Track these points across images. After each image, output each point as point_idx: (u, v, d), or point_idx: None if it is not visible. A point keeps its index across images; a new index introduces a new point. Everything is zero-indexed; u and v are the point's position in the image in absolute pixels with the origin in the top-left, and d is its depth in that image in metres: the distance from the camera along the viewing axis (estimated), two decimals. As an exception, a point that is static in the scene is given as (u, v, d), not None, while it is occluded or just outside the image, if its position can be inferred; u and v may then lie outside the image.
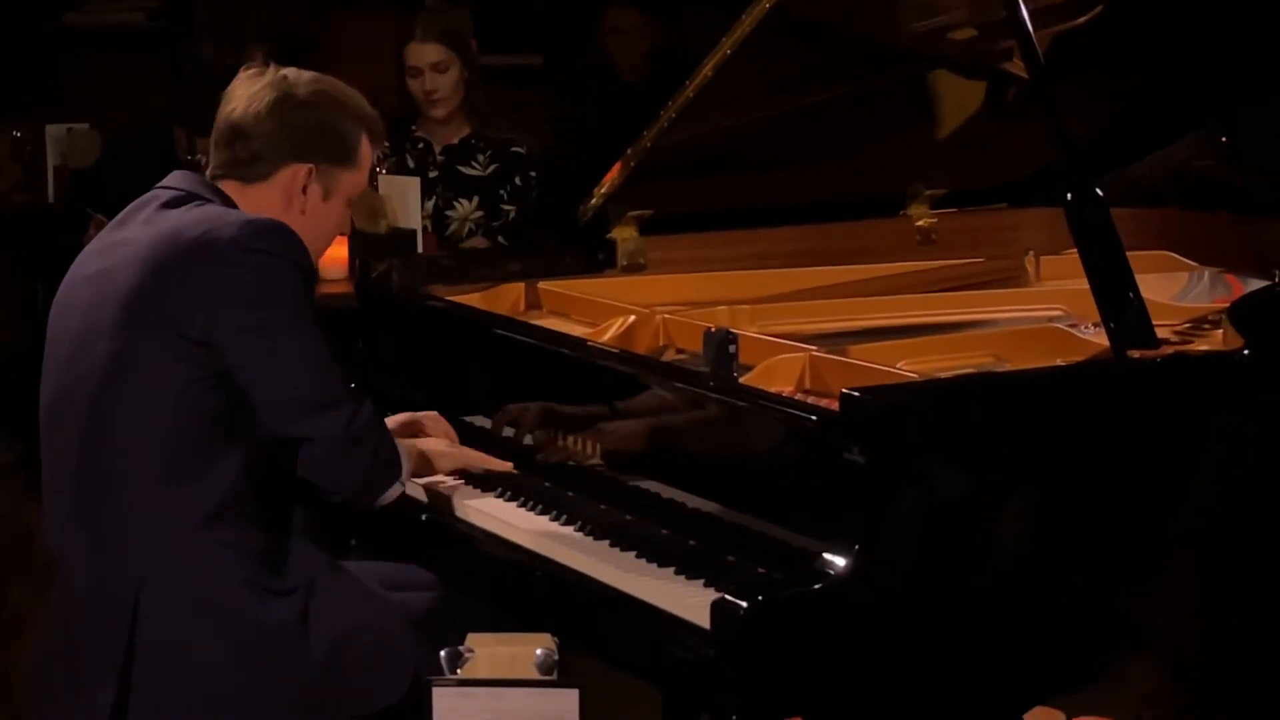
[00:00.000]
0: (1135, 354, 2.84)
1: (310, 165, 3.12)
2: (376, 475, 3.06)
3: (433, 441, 3.28)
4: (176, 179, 3.16)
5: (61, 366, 3.09)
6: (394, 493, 3.09)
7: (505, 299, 3.67)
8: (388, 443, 3.07)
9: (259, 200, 3.11)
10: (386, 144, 5.22)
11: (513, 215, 5.18)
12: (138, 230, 3.08)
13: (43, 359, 3.19)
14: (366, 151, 3.19)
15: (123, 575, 2.95)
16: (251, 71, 3.18)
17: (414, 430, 3.34)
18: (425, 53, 5.22)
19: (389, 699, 3.02)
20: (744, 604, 2.52)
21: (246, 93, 3.14)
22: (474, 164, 5.22)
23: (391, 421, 3.31)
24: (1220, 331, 3.08)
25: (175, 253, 2.98)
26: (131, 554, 2.96)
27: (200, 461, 2.97)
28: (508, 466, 3.24)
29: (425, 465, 3.23)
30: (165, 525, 2.95)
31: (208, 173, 3.17)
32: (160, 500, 2.96)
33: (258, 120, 3.11)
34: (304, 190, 3.13)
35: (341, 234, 3.40)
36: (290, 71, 3.17)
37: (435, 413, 3.37)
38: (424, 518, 3.23)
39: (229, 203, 3.10)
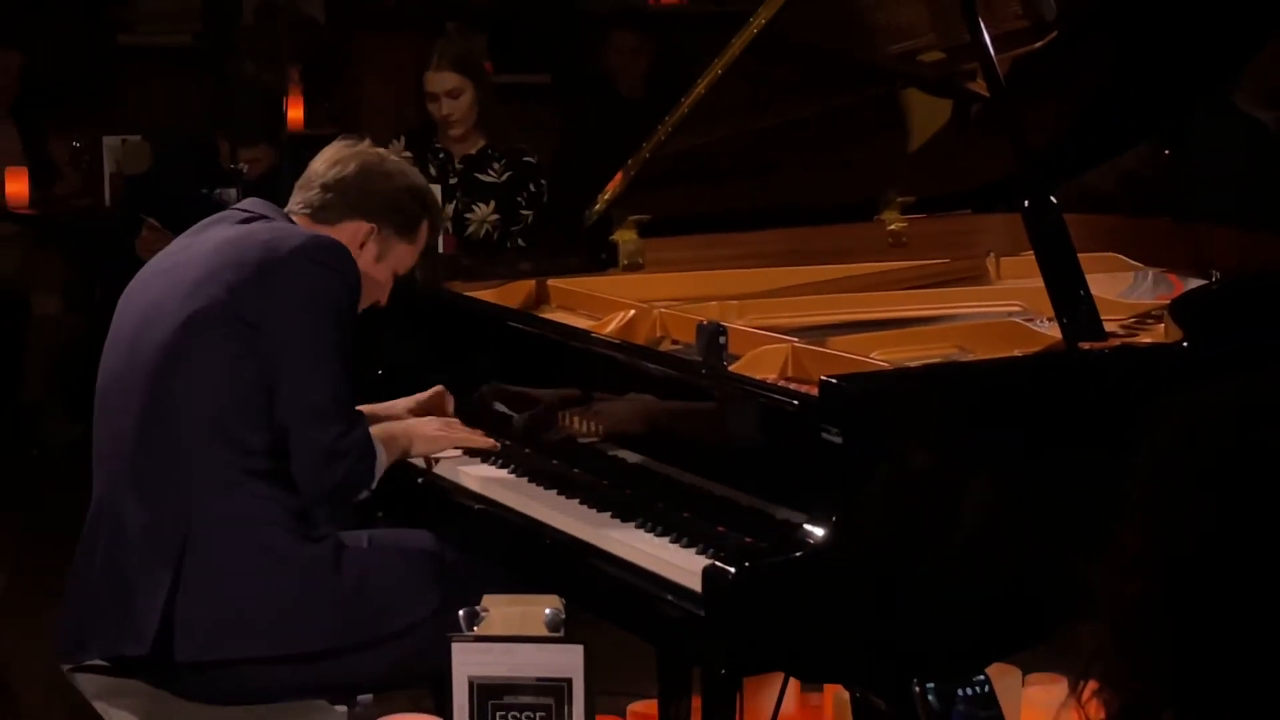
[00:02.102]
0: (1085, 346, 2.85)
1: (373, 225, 3.18)
2: (348, 486, 3.08)
3: (416, 424, 3.25)
4: (251, 203, 3.23)
5: (124, 343, 3.14)
6: (359, 497, 3.13)
7: (517, 294, 3.66)
8: (365, 463, 3.06)
9: None
10: (409, 154, 5.24)
11: (530, 220, 5.19)
12: (210, 236, 3.14)
13: (99, 348, 3.21)
14: (424, 233, 3.26)
15: (172, 523, 3.01)
16: (347, 140, 3.27)
17: (423, 412, 3.33)
18: (441, 81, 5.23)
19: (414, 617, 3.05)
20: (732, 570, 2.53)
21: (337, 154, 3.22)
22: (490, 172, 5.23)
23: (408, 401, 3.34)
24: (1162, 325, 3.08)
25: (242, 251, 3.05)
26: (180, 505, 3.01)
27: (242, 428, 3.01)
28: (491, 443, 3.22)
29: (408, 444, 3.19)
30: (209, 480, 3.01)
31: (286, 207, 3.22)
32: (206, 458, 3.01)
33: (341, 175, 3.19)
34: (361, 246, 3.17)
35: (378, 305, 3.29)
36: (383, 150, 3.30)
37: (441, 388, 3.36)
38: (445, 492, 3.24)
39: (295, 227, 3.17)
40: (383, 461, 3.10)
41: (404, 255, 3.25)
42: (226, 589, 2.99)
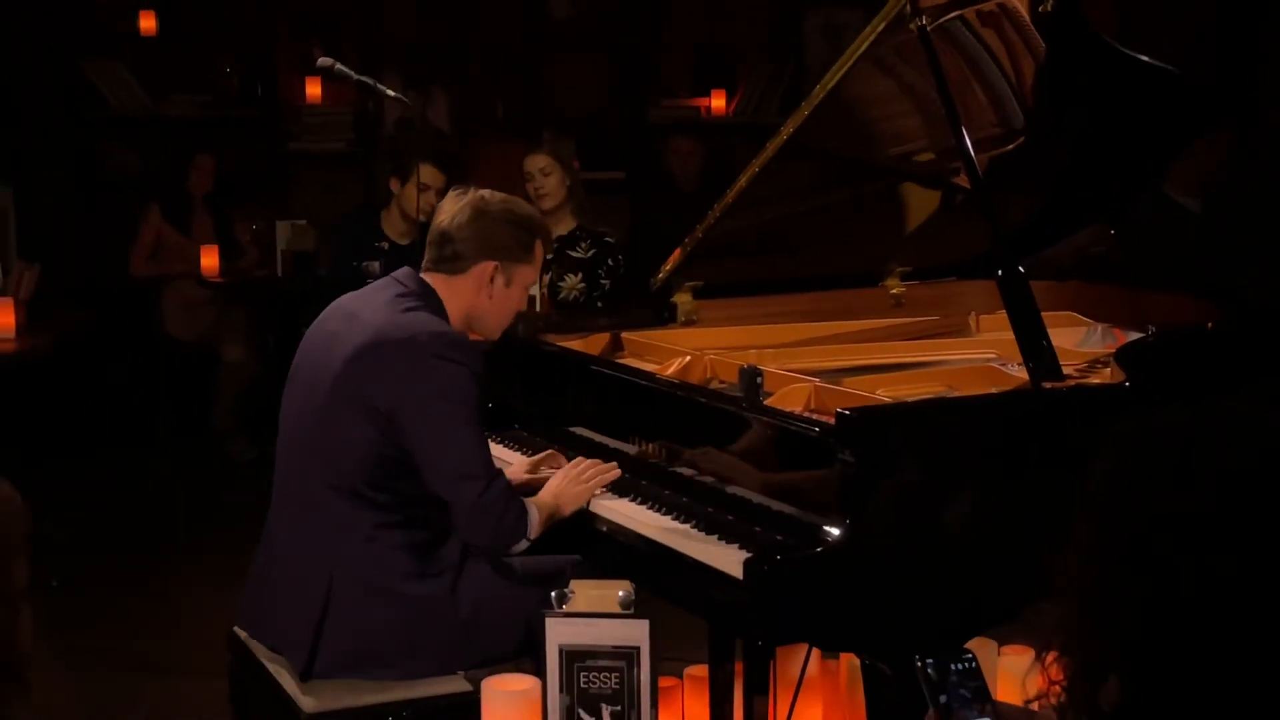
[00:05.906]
0: (1048, 385, 2.83)
1: (496, 261, 3.03)
2: (502, 535, 2.91)
3: (559, 488, 3.05)
4: (403, 274, 3.06)
5: (299, 396, 3.02)
6: (520, 546, 2.96)
7: (598, 344, 3.67)
8: (514, 512, 2.90)
9: (458, 288, 3.03)
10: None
11: (608, 287, 5.20)
12: (371, 308, 2.99)
13: (272, 387, 3.16)
14: (539, 251, 3.10)
15: (320, 569, 2.91)
16: (458, 191, 3.10)
17: (538, 467, 3.24)
18: (536, 161, 5.25)
19: (515, 639, 2.98)
20: (766, 562, 2.52)
21: (453, 208, 3.06)
22: (578, 249, 5.24)
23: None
24: (1109, 369, 3.06)
25: (384, 348, 2.89)
26: (327, 553, 2.91)
27: (376, 492, 2.91)
28: (617, 472, 3.10)
29: (558, 510, 3.02)
30: (350, 533, 2.91)
31: (422, 265, 3.08)
32: (347, 516, 2.91)
33: (460, 228, 3.03)
34: (491, 280, 3.04)
35: (519, 309, 3.18)
36: (485, 192, 3.09)
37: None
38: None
39: (434, 299, 3.01)
40: (533, 521, 2.94)
41: (528, 274, 3.08)
42: (360, 626, 2.89)
